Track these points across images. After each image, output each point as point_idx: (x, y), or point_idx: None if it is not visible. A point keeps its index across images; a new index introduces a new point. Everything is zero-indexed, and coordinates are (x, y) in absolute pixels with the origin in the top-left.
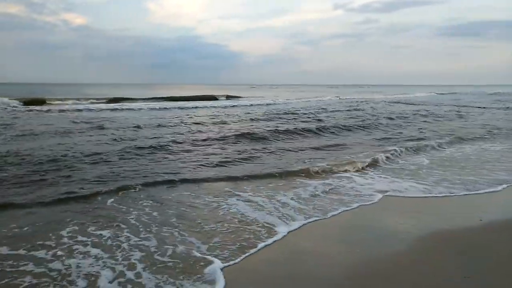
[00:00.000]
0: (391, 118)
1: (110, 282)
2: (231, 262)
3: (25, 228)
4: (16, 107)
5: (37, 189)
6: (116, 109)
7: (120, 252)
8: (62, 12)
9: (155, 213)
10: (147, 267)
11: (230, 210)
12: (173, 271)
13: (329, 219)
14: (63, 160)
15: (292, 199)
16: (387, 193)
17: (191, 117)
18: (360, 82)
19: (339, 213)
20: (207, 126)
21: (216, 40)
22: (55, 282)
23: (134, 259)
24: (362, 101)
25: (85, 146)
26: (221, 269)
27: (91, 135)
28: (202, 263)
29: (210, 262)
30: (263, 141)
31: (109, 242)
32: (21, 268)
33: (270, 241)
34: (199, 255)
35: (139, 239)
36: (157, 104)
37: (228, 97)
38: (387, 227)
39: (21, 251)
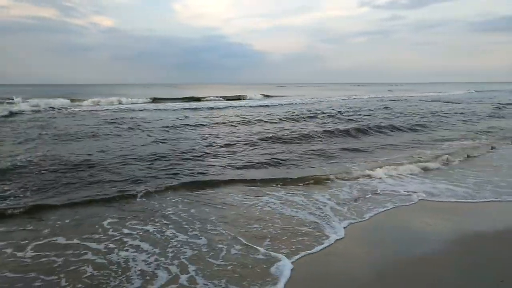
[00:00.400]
0: (440, 115)
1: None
2: (295, 265)
3: (72, 223)
4: (66, 108)
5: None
6: (162, 109)
7: (170, 248)
8: (92, 15)
9: (192, 210)
10: (199, 269)
11: (269, 209)
12: (231, 275)
13: (368, 221)
14: (103, 160)
15: (329, 199)
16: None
17: (237, 116)
18: (387, 80)
19: (380, 212)
20: (254, 124)
21: (241, 39)
22: (115, 274)
23: (185, 259)
24: (398, 100)
25: (145, 147)
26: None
27: (140, 136)
28: (264, 266)
29: (272, 264)
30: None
31: (157, 236)
32: (82, 257)
33: (326, 243)
34: (261, 257)
35: (187, 237)
36: (196, 104)
37: (264, 96)
38: (422, 229)
39: (76, 240)
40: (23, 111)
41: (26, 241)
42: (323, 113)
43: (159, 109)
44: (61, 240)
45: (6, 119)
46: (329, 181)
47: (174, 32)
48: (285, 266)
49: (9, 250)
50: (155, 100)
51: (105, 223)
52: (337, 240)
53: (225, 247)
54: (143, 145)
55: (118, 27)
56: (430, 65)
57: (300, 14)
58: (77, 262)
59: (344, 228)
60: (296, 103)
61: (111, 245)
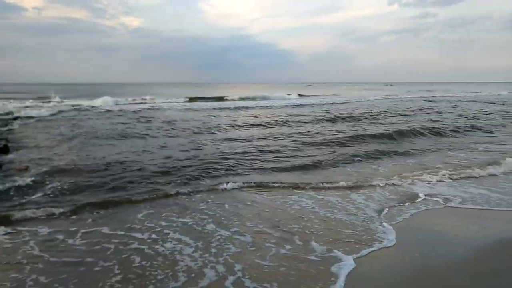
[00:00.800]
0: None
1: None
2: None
3: (111, 216)
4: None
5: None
6: (202, 109)
7: (213, 243)
8: (121, 15)
9: (226, 205)
10: (245, 269)
11: (308, 210)
12: (285, 277)
13: (409, 223)
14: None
15: (366, 199)
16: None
17: (285, 116)
18: (417, 80)
19: (416, 215)
20: (306, 124)
21: (267, 38)
22: (162, 266)
23: (229, 256)
24: (441, 100)
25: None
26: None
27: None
28: (321, 267)
29: (330, 264)
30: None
31: (198, 229)
32: (130, 247)
33: (376, 242)
34: (314, 258)
35: (229, 233)
36: (236, 103)
37: (300, 95)
38: (453, 233)
39: (119, 232)
40: (64, 110)
41: (75, 228)
42: (384, 112)
43: (199, 109)
44: (106, 230)
45: (50, 118)
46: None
47: (200, 32)
48: (346, 266)
49: (60, 236)
50: (191, 99)
51: (140, 215)
52: (386, 241)
53: (273, 246)
54: (184, 145)
55: (146, 27)
56: (463, 65)
57: (328, 13)
58: (126, 251)
59: (392, 229)
60: (337, 103)
61: (154, 236)
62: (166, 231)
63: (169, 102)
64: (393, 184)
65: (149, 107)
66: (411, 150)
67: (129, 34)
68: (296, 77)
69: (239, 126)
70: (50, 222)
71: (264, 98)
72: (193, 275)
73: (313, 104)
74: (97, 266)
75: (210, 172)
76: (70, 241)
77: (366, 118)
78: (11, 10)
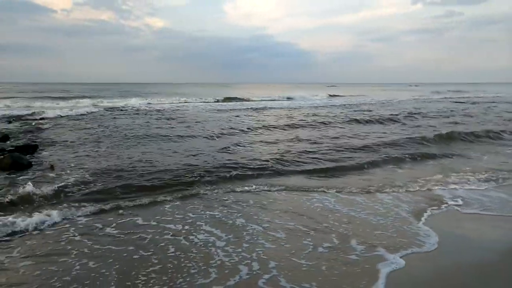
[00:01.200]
0: None
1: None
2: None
3: (142, 207)
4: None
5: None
6: (236, 109)
7: (246, 237)
8: (146, 16)
9: (251, 201)
10: (280, 267)
11: (339, 209)
12: (327, 277)
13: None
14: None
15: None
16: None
17: (322, 116)
18: (442, 80)
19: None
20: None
21: (287, 38)
22: (197, 258)
23: (262, 251)
24: (479, 101)
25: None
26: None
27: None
28: (366, 265)
29: (374, 263)
30: None
31: (230, 222)
32: (165, 237)
33: (417, 242)
34: (355, 257)
35: (260, 228)
36: (267, 104)
37: (330, 96)
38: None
39: (153, 222)
40: (96, 110)
41: (111, 219)
42: (422, 113)
43: (233, 109)
44: (140, 221)
45: (82, 117)
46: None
47: (223, 32)
48: (391, 265)
49: (99, 226)
50: (225, 99)
51: (170, 208)
52: (427, 244)
53: (310, 244)
54: (218, 146)
55: (170, 28)
56: (490, 64)
57: (349, 12)
58: (163, 240)
59: (432, 231)
60: (368, 103)
61: (187, 227)
62: (198, 223)
63: (204, 101)
64: (433, 187)
65: (183, 107)
66: (454, 153)
67: (153, 35)
68: (316, 77)
69: (274, 127)
70: (87, 214)
71: (294, 98)
72: (226, 271)
73: (345, 104)
74: (137, 254)
75: (239, 173)
76: (109, 230)
77: (405, 119)
78: (41, 12)
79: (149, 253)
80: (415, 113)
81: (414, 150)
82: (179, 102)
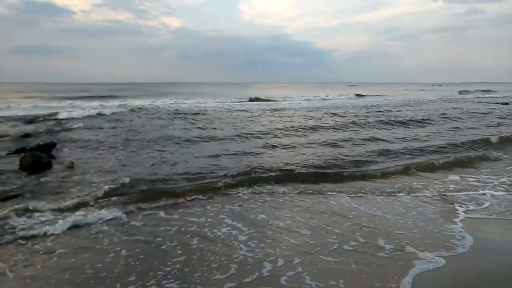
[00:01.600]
0: None
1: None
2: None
3: (163, 203)
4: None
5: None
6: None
7: (269, 232)
8: (163, 16)
9: (281, 200)
10: (304, 263)
11: (366, 210)
12: (357, 275)
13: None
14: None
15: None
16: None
17: (354, 117)
18: (465, 79)
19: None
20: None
21: (304, 37)
22: (220, 251)
23: (287, 247)
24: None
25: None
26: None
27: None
28: (397, 264)
29: (408, 262)
30: None
31: (252, 217)
32: (189, 229)
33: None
34: (383, 255)
35: (283, 223)
36: (296, 104)
37: (357, 95)
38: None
39: (175, 216)
40: (122, 110)
41: (136, 210)
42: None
43: (259, 110)
44: (162, 214)
45: (109, 118)
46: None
47: (239, 31)
48: (425, 264)
49: (125, 219)
50: (251, 99)
51: (191, 202)
52: (459, 246)
53: (335, 241)
54: (244, 148)
55: (186, 27)
56: None
57: (368, 11)
58: (187, 233)
59: (466, 233)
60: (399, 104)
61: (210, 220)
62: (221, 216)
63: (232, 102)
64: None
65: (210, 108)
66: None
67: (170, 34)
68: (334, 76)
69: (305, 128)
70: (111, 208)
71: (322, 98)
72: (248, 267)
73: (375, 104)
74: (164, 245)
75: (262, 175)
76: (135, 223)
77: (442, 120)
78: (61, 13)
79: (174, 244)
80: (450, 114)
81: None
82: (206, 103)
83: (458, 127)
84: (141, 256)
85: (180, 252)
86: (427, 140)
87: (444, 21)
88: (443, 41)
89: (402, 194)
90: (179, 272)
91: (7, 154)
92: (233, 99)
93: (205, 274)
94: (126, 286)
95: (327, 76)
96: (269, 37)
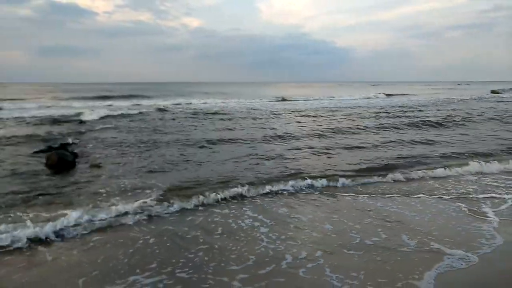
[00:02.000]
0: None
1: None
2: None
3: (186, 195)
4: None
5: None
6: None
7: (292, 226)
8: (182, 16)
9: (293, 198)
10: (325, 255)
11: (389, 209)
12: (377, 266)
13: None
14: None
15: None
16: None
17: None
18: (492, 78)
19: None
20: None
21: (324, 36)
22: (243, 240)
23: (310, 241)
24: None
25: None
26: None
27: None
28: (420, 259)
29: (437, 259)
30: None
31: (273, 210)
32: (215, 220)
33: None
34: (405, 250)
35: (304, 218)
36: (329, 103)
37: (387, 95)
38: None
39: (200, 207)
40: (148, 110)
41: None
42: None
43: (294, 110)
44: (188, 205)
45: (138, 118)
46: None
47: (258, 30)
48: (448, 262)
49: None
50: (283, 99)
51: (215, 196)
52: (485, 242)
53: (357, 235)
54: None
55: (205, 27)
56: None
57: (389, 8)
58: (212, 223)
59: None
60: (432, 103)
61: (234, 212)
62: (244, 208)
63: (262, 101)
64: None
65: (247, 108)
66: None
67: (189, 34)
68: (355, 75)
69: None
70: (141, 203)
71: (352, 98)
72: (267, 259)
73: (409, 104)
74: (189, 234)
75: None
76: (165, 215)
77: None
78: (85, 15)
79: (197, 234)
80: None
81: None
82: (234, 102)
83: None
84: (168, 244)
85: (201, 240)
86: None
87: (469, 18)
88: (467, 38)
89: (423, 194)
90: (199, 261)
91: (34, 152)
92: (260, 99)
93: (221, 265)
94: (144, 272)
95: (347, 75)
96: (288, 36)
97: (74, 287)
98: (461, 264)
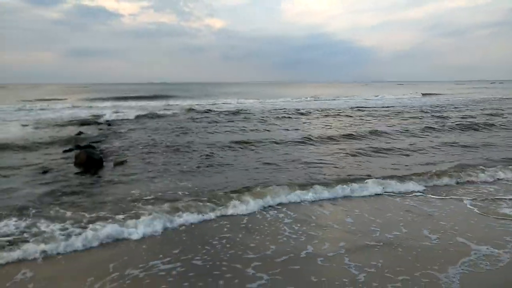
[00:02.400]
0: None
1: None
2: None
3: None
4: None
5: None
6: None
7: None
8: (206, 17)
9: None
10: (347, 247)
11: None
12: (397, 257)
13: None
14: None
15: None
16: None
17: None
18: None
19: None
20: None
21: (347, 35)
22: (266, 232)
23: (329, 232)
24: None
25: None
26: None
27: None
28: (442, 252)
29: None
30: None
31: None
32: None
33: None
34: (428, 243)
35: (327, 212)
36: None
37: (424, 95)
38: None
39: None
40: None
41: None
42: None
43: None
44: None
45: (173, 118)
46: None
47: (280, 31)
48: (471, 256)
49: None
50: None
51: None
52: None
53: (377, 229)
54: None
55: (229, 28)
56: None
57: (413, 7)
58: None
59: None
60: (477, 103)
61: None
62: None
63: (299, 101)
64: None
65: (280, 107)
66: None
67: (213, 35)
68: (379, 75)
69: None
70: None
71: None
72: (288, 249)
73: (450, 103)
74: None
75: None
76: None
77: None
78: (111, 17)
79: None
80: None
81: None
82: (263, 103)
83: None
84: (196, 233)
85: (226, 229)
86: None
87: (498, 15)
88: (499, 36)
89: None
90: (221, 248)
91: (64, 151)
92: (289, 99)
93: (239, 253)
94: (166, 257)
95: (372, 75)
96: (311, 36)
97: None
98: (484, 259)
